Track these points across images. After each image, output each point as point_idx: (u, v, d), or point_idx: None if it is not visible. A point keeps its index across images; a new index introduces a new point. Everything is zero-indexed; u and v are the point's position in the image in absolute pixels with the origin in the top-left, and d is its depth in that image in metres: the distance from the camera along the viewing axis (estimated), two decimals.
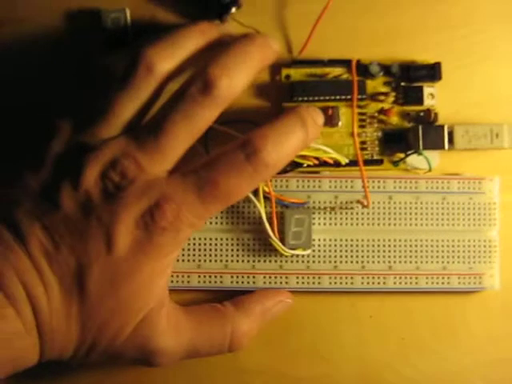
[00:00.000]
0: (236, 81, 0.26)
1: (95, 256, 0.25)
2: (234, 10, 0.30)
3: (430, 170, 0.31)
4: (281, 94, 0.31)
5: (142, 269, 0.26)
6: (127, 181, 0.25)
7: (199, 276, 0.30)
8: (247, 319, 0.29)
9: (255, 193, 0.30)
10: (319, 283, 0.30)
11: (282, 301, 0.30)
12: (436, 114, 0.31)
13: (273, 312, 0.30)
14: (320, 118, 0.28)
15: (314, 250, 0.30)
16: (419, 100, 0.31)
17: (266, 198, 0.30)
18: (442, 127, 0.30)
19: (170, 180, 0.26)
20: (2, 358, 0.25)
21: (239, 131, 0.30)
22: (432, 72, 0.31)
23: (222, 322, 0.29)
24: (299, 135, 0.27)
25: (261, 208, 0.30)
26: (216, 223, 0.30)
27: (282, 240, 0.30)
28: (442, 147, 0.30)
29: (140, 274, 0.26)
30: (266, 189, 0.30)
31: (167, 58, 0.27)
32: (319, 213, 0.31)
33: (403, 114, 0.31)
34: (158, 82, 0.27)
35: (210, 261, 0.30)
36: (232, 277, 0.30)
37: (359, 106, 0.31)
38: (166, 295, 0.28)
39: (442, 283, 0.31)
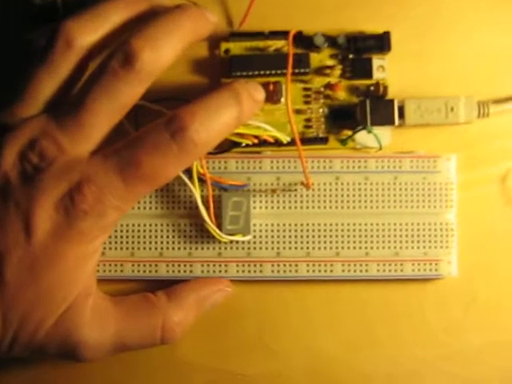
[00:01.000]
0: (161, 53, 0.25)
1: (13, 243, 0.24)
2: None
3: (380, 148, 0.28)
4: (219, 70, 0.29)
5: (63, 256, 0.24)
6: (46, 162, 0.24)
7: (133, 265, 0.28)
8: (180, 309, 0.27)
9: (190, 175, 0.28)
10: (261, 271, 0.28)
11: (220, 289, 0.28)
12: (386, 88, 0.29)
13: (210, 301, 0.28)
14: (259, 94, 0.26)
15: (254, 236, 0.28)
16: (368, 73, 0.29)
17: (202, 181, 0.28)
18: (391, 101, 0.28)
19: (91, 161, 0.24)
20: None
21: (173, 110, 0.28)
22: (381, 42, 0.28)
23: (151, 312, 0.27)
24: (232, 111, 0.25)
25: (195, 191, 0.28)
26: (150, 208, 0.28)
27: (220, 225, 0.28)
28: (391, 123, 0.28)
29: (62, 262, 0.24)
30: (201, 170, 0.28)
31: (88, 32, 0.26)
32: (260, 195, 0.28)
33: (351, 89, 0.29)
34: (79, 58, 0.26)
35: (144, 248, 0.28)
36: (167, 265, 0.28)
37: (303, 81, 0.29)
38: (93, 284, 0.26)
39: (395, 270, 0.28)
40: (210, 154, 0.28)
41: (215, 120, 0.24)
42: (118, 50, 0.24)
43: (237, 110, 0.25)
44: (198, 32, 0.26)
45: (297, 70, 0.28)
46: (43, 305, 0.24)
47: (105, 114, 0.24)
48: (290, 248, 0.28)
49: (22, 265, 0.24)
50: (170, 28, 0.25)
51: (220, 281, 0.29)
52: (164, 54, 0.25)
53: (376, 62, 0.29)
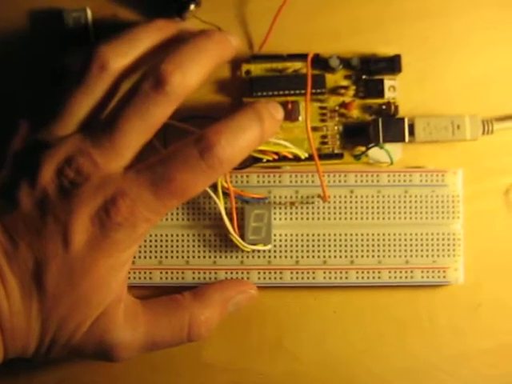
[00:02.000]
0: (189, 77, 0.26)
1: (52, 254, 0.25)
2: (192, 7, 0.30)
3: (391, 163, 0.30)
4: (241, 90, 0.31)
5: (98, 264, 0.26)
6: (82, 177, 0.26)
7: (161, 272, 0.30)
8: (205, 308, 0.29)
9: (214, 188, 0.30)
10: (281, 278, 0.30)
11: (244, 291, 0.30)
12: (397, 107, 0.31)
13: (235, 302, 0.30)
14: (279, 113, 0.28)
15: (275, 246, 0.30)
16: (380, 93, 0.31)
17: (226, 194, 0.30)
18: (402, 120, 0.30)
19: (125, 176, 0.26)
20: None
21: (199, 127, 0.30)
22: (392, 64, 0.30)
23: (179, 312, 0.29)
24: (255, 130, 0.27)
25: (220, 204, 0.30)
26: (177, 219, 0.30)
27: (242, 236, 0.30)
28: (402, 140, 0.30)
29: (97, 270, 0.26)
30: (226, 184, 0.30)
31: (121, 55, 0.27)
32: (280, 208, 0.30)
33: (364, 108, 0.31)
34: (113, 80, 0.27)
35: (172, 257, 0.30)
36: (193, 273, 0.30)
37: (319, 100, 0.31)
38: (125, 290, 0.28)
39: (406, 277, 0.30)
40: (233, 169, 0.30)
41: (240, 139, 0.26)
42: (149, 74, 0.26)
43: (259, 129, 0.27)
44: (223, 56, 0.28)
45: (314, 90, 0.30)
46: (79, 311, 0.26)
47: (136, 133, 0.26)
48: (307, 256, 0.30)
49: (61, 274, 0.25)
50: (197, 53, 0.27)
51: (244, 282, 0.30)
52: (191, 78, 0.26)
53: (387, 82, 0.31)
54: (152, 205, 0.26)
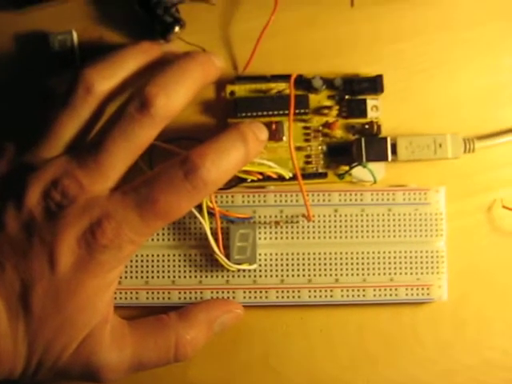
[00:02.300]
0: (174, 99, 0.27)
1: (39, 275, 0.26)
2: (177, 29, 0.31)
3: (375, 182, 0.31)
4: (226, 111, 0.31)
5: (84, 286, 0.26)
6: (68, 200, 0.26)
7: (147, 292, 0.30)
8: (191, 328, 0.29)
9: (200, 208, 0.30)
10: (266, 297, 0.31)
11: (230, 310, 0.30)
12: (379, 126, 0.31)
13: (221, 322, 0.30)
14: (263, 134, 0.28)
15: (260, 265, 0.31)
16: (363, 112, 0.31)
17: (212, 214, 0.30)
18: (385, 139, 0.30)
19: (110, 198, 0.26)
20: None
21: (184, 148, 0.30)
22: (374, 84, 0.31)
23: (165, 332, 0.29)
24: (239, 151, 0.27)
25: (205, 224, 0.30)
26: (163, 240, 0.31)
27: (228, 255, 0.30)
28: (385, 159, 0.30)
29: (83, 291, 0.26)
30: (211, 204, 0.30)
31: (107, 78, 0.28)
32: (265, 227, 0.31)
33: (347, 127, 0.31)
34: (98, 102, 0.28)
35: (158, 277, 0.30)
36: (180, 292, 0.30)
37: (303, 120, 0.31)
38: (111, 310, 0.28)
39: (390, 295, 0.31)
40: (218, 189, 0.30)
41: (224, 160, 0.26)
42: (134, 97, 0.26)
43: (244, 151, 0.27)
44: (207, 77, 0.28)
45: (297, 111, 0.30)
46: (65, 332, 0.26)
47: (122, 155, 0.26)
48: (293, 275, 0.31)
49: (47, 296, 0.26)
50: (182, 75, 0.27)
51: (229, 302, 0.30)
52: (176, 100, 0.27)
53: (370, 102, 0.31)
54: (137, 226, 0.26)
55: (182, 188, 0.26)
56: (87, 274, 0.26)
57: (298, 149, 0.31)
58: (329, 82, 0.31)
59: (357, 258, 0.31)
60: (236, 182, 0.30)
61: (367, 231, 0.31)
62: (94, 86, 0.27)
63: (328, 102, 0.31)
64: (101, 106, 0.28)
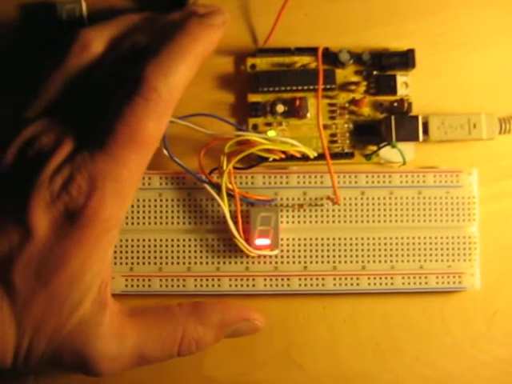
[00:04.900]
0: (174, 79, 0.24)
1: (16, 248, 0.23)
2: None
3: (404, 163, 0.29)
4: (246, 85, 0.29)
5: (70, 256, 0.23)
6: (43, 158, 0.24)
7: (161, 280, 0.28)
8: (201, 326, 0.27)
9: (218, 190, 0.28)
10: (288, 285, 0.29)
11: (248, 320, 0.28)
12: (410, 104, 0.29)
13: (235, 329, 0.27)
14: (216, 18, 0.26)
15: (282, 251, 0.29)
16: (392, 89, 0.29)
17: (231, 196, 0.28)
18: (416, 118, 0.28)
19: (81, 155, 0.24)
20: None
21: (202, 125, 0.28)
22: (405, 59, 0.29)
23: (172, 324, 0.26)
24: (188, 49, 0.25)
25: (224, 206, 0.28)
26: (178, 223, 0.28)
27: (248, 240, 0.28)
28: (416, 139, 0.28)
29: (69, 263, 0.23)
30: (230, 186, 0.28)
31: (105, 38, 0.26)
32: (287, 210, 0.29)
33: (375, 105, 0.29)
34: (92, 61, 0.26)
35: (172, 263, 0.28)
36: (196, 280, 0.28)
37: (329, 97, 0.29)
38: (108, 295, 0.25)
39: (420, 283, 0.29)
40: (237, 169, 0.28)
41: (172, 58, 0.24)
42: (134, 85, 0.24)
43: (193, 45, 0.25)
44: (208, 47, 0.26)
45: (323, 86, 0.29)
46: (55, 310, 0.24)
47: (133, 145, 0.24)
48: (316, 262, 0.29)
49: (29, 269, 0.23)
50: (180, 54, 0.25)
51: (250, 311, 0.28)
52: (177, 80, 0.24)
53: (400, 78, 0.29)
54: (110, 167, 0.23)
55: (134, 105, 0.23)
56: (71, 242, 0.23)
57: (323, 127, 0.29)
58: (356, 57, 0.29)
59: (385, 244, 0.29)
60: (257, 161, 0.28)
61: (396, 215, 0.29)
62: (89, 43, 0.26)
63: (355, 78, 0.29)
64: (94, 66, 0.26)
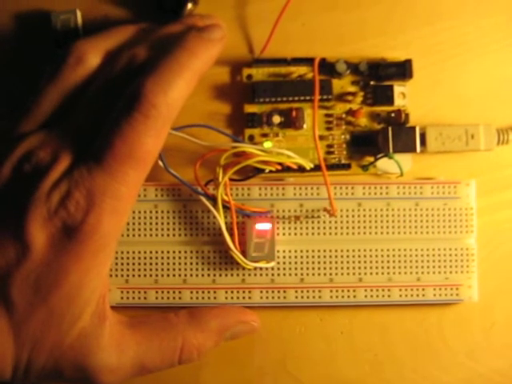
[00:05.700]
0: (173, 95, 0.24)
1: (14, 263, 0.23)
2: (190, 5, 0.28)
3: (401, 174, 0.29)
4: (242, 96, 0.29)
5: (68, 271, 0.23)
6: (39, 174, 0.24)
7: (156, 292, 0.28)
8: (200, 333, 0.27)
9: (214, 202, 0.28)
10: (285, 297, 0.28)
11: (245, 322, 0.28)
12: (407, 115, 0.29)
13: (233, 332, 0.28)
14: (214, 33, 0.26)
15: (278, 263, 0.28)
16: (389, 100, 0.29)
17: (227, 208, 0.28)
18: (413, 129, 0.28)
19: (78, 170, 0.24)
20: None
21: (198, 136, 0.28)
22: (402, 70, 0.29)
23: (172, 334, 0.27)
24: (187, 62, 0.25)
25: (220, 218, 0.28)
26: (173, 235, 0.28)
27: (244, 252, 0.28)
28: (413, 150, 0.28)
29: (67, 278, 0.23)
30: (226, 197, 0.28)
31: (100, 50, 0.26)
32: (283, 222, 0.29)
33: (372, 115, 0.29)
34: (88, 74, 0.26)
35: (168, 275, 0.28)
36: (191, 292, 0.28)
37: (325, 107, 0.29)
38: (106, 305, 0.25)
39: (417, 295, 0.29)
40: (233, 180, 0.28)
41: (170, 75, 0.24)
42: (132, 100, 0.24)
43: (192, 61, 0.25)
44: (207, 62, 0.26)
45: (319, 97, 0.28)
46: (55, 324, 0.24)
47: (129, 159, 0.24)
48: (313, 274, 0.28)
49: (27, 284, 0.23)
50: (179, 70, 0.25)
51: (246, 312, 0.28)
52: (176, 95, 0.24)
53: (397, 88, 0.29)
54: (107, 184, 0.23)
55: (133, 121, 0.23)
56: (69, 258, 0.23)
57: (320, 138, 0.29)
58: (353, 67, 0.29)
59: (382, 256, 0.29)
60: (253, 172, 0.28)
61: (393, 227, 0.29)
62: (85, 56, 0.26)
63: (352, 88, 0.29)
64: (90, 79, 0.26)
